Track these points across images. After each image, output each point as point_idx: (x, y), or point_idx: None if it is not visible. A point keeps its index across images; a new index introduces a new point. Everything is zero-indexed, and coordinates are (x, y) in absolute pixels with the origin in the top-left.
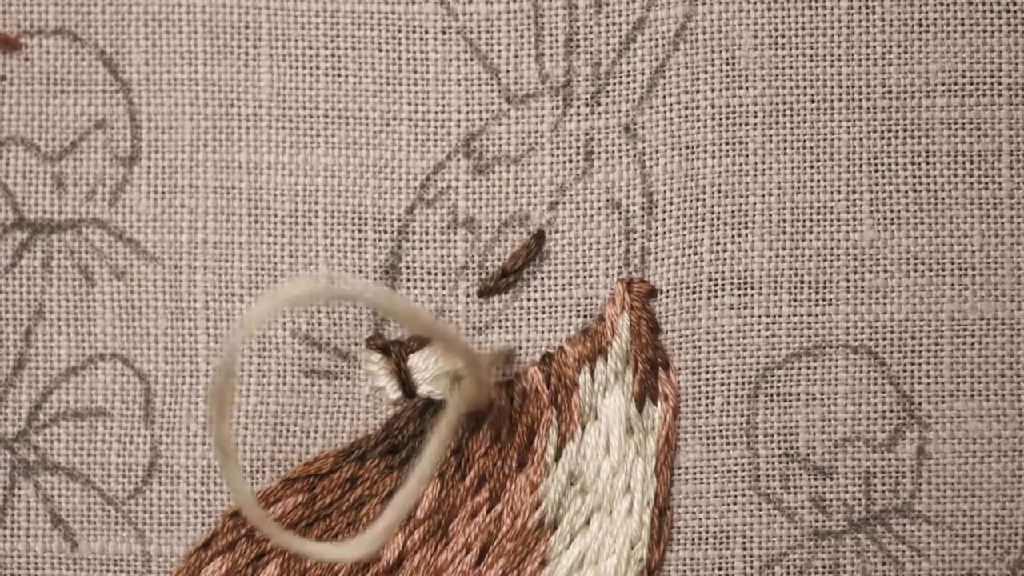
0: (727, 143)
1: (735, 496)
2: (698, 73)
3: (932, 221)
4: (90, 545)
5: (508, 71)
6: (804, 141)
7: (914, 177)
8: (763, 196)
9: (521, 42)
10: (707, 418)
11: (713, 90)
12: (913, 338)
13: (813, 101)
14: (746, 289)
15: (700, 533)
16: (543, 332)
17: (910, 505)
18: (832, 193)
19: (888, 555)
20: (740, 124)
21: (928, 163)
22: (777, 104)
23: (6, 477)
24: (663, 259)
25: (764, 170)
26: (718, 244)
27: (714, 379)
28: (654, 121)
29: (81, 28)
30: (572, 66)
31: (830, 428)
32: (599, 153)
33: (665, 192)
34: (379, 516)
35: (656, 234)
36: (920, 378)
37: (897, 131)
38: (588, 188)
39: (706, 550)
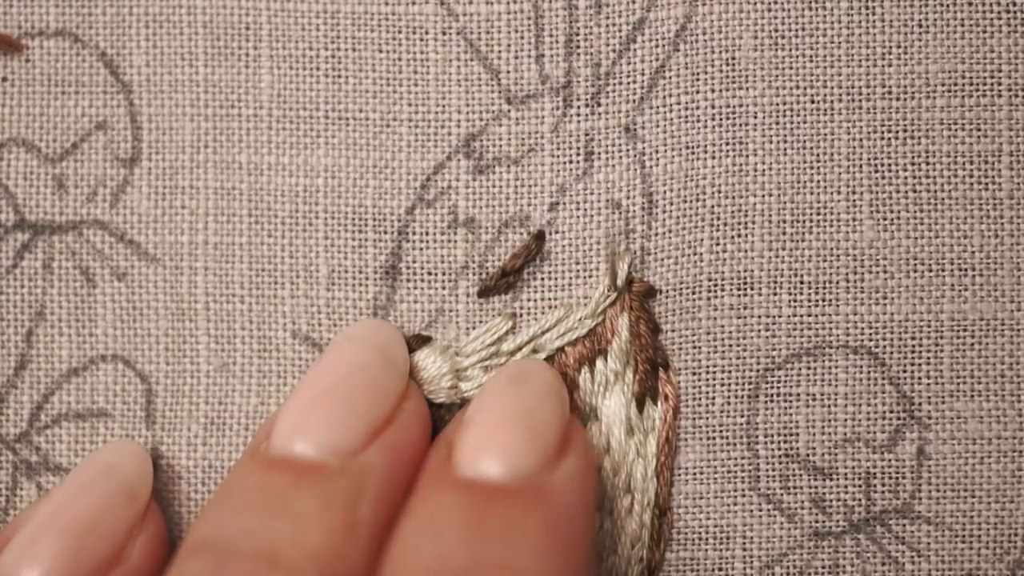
0: (727, 143)
1: (735, 496)
2: (698, 73)
3: (932, 222)
4: None
5: (508, 72)
6: (804, 141)
7: (914, 178)
8: (763, 196)
9: (521, 43)
10: (707, 418)
11: (713, 90)
12: (913, 339)
13: (813, 102)
14: (746, 289)
15: (700, 533)
16: None
17: (910, 506)
18: (832, 193)
19: (888, 556)
20: (740, 124)
21: (928, 164)
22: (777, 104)
23: (8, 478)
24: (663, 259)
25: (764, 170)
26: (718, 244)
27: (714, 379)
28: (654, 121)
29: (82, 29)
30: (572, 67)
31: (830, 429)
32: (599, 153)
33: (665, 192)
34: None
35: (656, 234)
36: (920, 379)
37: (897, 132)
38: (588, 188)
39: (706, 550)
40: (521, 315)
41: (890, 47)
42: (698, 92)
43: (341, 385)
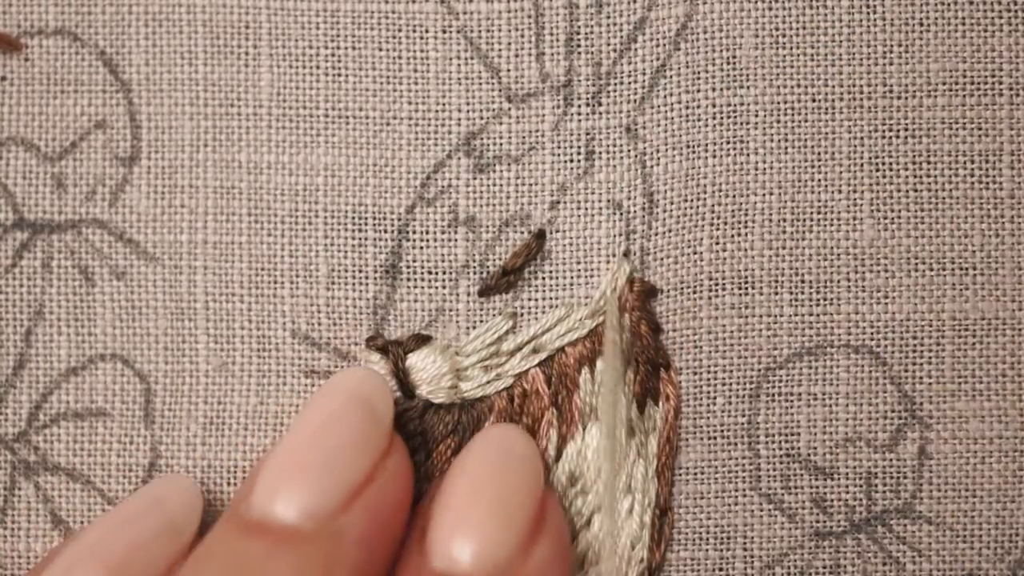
0: (728, 143)
1: (736, 496)
2: (699, 73)
3: (933, 221)
4: None
5: (509, 70)
6: (805, 140)
7: (915, 176)
8: (764, 195)
9: (522, 41)
10: (708, 418)
11: (714, 90)
12: (914, 338)
13: (814, 100)
14: (747, 289)
15: (701, 534)
16: None
17: (911, 505)
18: (833, 192)
19: (889, 555)
20: (741, 123)
21: (929, 163)
22: (778, 103)
23: (6, 477)
24: (663, 259)
25: (765, 169)
26: (718, 244)
27: (715, 379)
28: (655, 121)
29: (81, 28)
30: (573, 66)
31: (831, 428)
32: (600, 153)
33: (666, 192)
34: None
35: (656, 234)
36: (921, 378)
37: (898, 131)
38: (589, 188)
39: (707, 550)
40: (522, 314)
41: (891, 46)
42: (699, 91)
43: (320, 444)
